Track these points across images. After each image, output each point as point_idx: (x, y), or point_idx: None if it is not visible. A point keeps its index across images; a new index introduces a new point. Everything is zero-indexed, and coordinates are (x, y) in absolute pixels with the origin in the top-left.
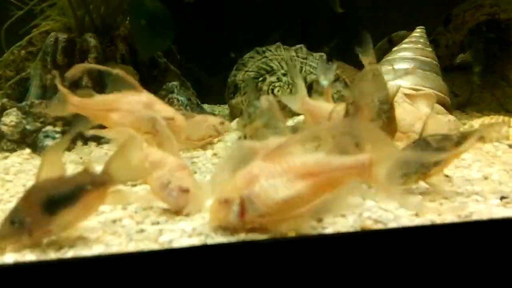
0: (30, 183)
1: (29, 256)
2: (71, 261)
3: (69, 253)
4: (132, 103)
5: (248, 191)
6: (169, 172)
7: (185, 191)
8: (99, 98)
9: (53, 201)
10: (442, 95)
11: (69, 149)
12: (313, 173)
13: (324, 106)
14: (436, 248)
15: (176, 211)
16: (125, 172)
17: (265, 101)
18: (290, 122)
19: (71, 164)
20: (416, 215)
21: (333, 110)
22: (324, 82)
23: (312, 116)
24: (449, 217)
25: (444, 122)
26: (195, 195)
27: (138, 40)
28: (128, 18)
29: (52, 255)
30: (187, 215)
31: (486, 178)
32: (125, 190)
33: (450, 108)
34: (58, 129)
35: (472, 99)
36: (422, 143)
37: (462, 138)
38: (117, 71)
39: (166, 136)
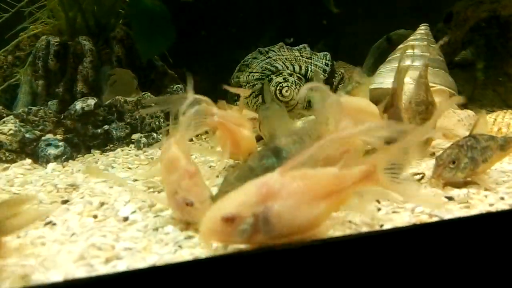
0: (41, 194)
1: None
2: (127, 275)
3: (121, 265)
4: (250, 122)
5: (265, 209)
6: (177, 180)
7: (189, 204)
8: (228, 113)
9: None
10: (452, 91)
11: (72, 157)
12: (332, 191)
13: (355, 99)
14: (501, 235)
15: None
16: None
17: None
18: (300, 123)
19: (78, 173)
20: (467, 207)
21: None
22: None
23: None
24: (500, 206)
25: (464, 117)
26: (200, 210)
27: (138, 41)
28: (121, 19)
29: (101, 269)
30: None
31: None
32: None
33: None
34: (59, 137)
35: (474, 95)
36: (472, 139)
37: (505, 142)
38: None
39: (181, 133)
